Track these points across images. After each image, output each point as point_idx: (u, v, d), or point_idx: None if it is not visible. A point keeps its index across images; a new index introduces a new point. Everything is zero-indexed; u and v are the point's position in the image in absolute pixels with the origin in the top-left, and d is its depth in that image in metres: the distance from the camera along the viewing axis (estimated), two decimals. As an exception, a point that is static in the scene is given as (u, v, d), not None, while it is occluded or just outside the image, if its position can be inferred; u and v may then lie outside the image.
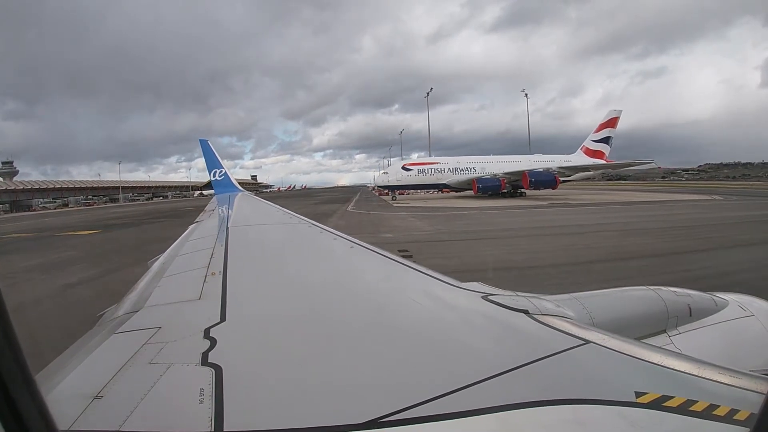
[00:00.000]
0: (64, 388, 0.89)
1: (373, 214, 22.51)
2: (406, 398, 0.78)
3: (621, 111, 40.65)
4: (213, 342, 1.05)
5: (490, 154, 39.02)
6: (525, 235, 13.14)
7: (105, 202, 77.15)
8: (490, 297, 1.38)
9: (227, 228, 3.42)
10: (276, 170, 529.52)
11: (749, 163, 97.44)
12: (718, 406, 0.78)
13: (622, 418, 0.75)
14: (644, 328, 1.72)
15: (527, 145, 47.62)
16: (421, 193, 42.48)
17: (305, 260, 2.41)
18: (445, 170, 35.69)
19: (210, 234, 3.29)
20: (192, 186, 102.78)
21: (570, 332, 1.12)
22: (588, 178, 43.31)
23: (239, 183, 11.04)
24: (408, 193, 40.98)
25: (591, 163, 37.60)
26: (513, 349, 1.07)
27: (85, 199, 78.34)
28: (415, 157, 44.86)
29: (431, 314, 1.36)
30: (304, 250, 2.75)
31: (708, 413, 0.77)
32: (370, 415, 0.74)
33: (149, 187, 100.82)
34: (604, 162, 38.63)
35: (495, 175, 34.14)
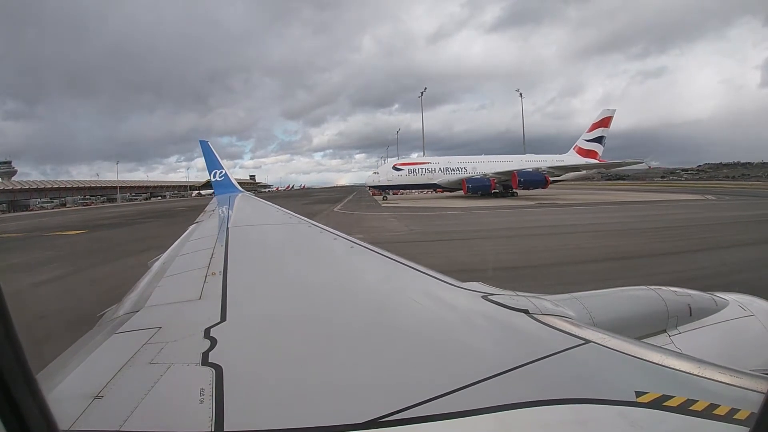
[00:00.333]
0: (65, 387, 0.89)
1: (357, 214, 22.49)
2: (406, 398, 0.78)
3: (614, 110, 40.45)
4: (213, 342, 1.05)
5: (490, 154, 38.96)
6: (495, 236, 13.07)
7: (102, 202, 77.10)
8: (490, 297, 1.38)
9: (227, 228, 3.43)
10: (276, 170, 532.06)
11: (749, 163, 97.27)
12: (719, 405, 0.78)
13: (622, 418, 0.75)
14: (644, 327, 1.72)
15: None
16: (416, 193, 42.37)
17: (305, 260, 2.41)
18: (436, 170, 35.48)
19: (210, 234, 3.29)
20: (190, 186, 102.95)
21: (570, 332, 1.12)
22: (585, 178, 43.19)
23: (238, 183, 10.98)
24: (402, 193, 40.87)
25: (582, 163, 37.39)
26: (513, 348, 1.08)
27: (82, 199, 78.40)
28: (414, 156, 44.76)
29: (431, 314, 1.36)
30: (304, 250, 2.75)
31: (708, 413, 0.77)
32: (370, 414, 0.74)
33: (147, 187, 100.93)
34: (596, 161, 38.38)
35: (485, 174, 34.02)
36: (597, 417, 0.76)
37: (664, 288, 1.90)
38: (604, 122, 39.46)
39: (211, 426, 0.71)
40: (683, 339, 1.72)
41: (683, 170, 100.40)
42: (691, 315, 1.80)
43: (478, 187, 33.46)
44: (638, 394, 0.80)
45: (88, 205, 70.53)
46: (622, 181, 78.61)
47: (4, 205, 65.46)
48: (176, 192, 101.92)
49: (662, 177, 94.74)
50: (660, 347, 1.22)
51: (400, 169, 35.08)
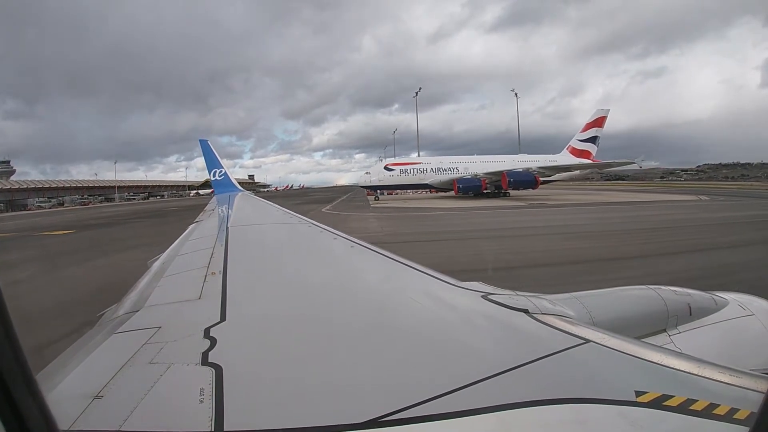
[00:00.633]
0: (65, 387, 0.89)
1: (342, 214, 22.42)
2: (405, 398, 0.78)
3: (608, 110, 40.26)
4: (213, 342, 1.05)
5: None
6: (464, 238, 12.98)
7: (100, 202, 77.19)
8: (489, 296, 1.38)
9: (227, 228, 3.43)
10: (275, 170, 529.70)
11: (748, 164, 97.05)
12: (718, 405, 0.78)
13: (622, 418, 0.75)
14: (644, 327, 1.72)
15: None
16: (410, 193, 42.22)
17: (305, 260, 2.41)
18: (428, 170, 35.36)
19: (210, 234, 3.28)
20: (188, 186, 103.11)
21: (570, 331, 1.12)
22: (584, 178, 42.95)
23: (237, 182, 11.04)
24: (398, 193, 40.76)
25: (574, 163, 37.11)
26: (513, 348, 1.08)
27: (80, 199, 78.41)
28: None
29: (431, 313, 1.36)
30: (304, 250, 2.75)
31: (708, 412, 0.77)
32: (369, 414, 0.74)
33: (146, 187, 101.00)
34: (589, 161, 38.13)
35: (476, 175, 33.93)
36: (597, 417, 0.76)
37: (663, 287, 1.90)
38: (598, 122, 39.23)
39: (210, 426, 0.71)
40: (683, 338, 1.71)
41: (683, 170, 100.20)
42: (690, 314, 1.80)
43: (469, 188, 33.41)
44: (638, 393, 0.80)
45: (85, 204, 70.52)
46: (621, 182, 78.47)
47: (2, 204, 65.55)
48: (174, 192, 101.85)
49: (661, 177, 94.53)
50: (660, 347, 1.22)
51: (392, 170, 34.93)
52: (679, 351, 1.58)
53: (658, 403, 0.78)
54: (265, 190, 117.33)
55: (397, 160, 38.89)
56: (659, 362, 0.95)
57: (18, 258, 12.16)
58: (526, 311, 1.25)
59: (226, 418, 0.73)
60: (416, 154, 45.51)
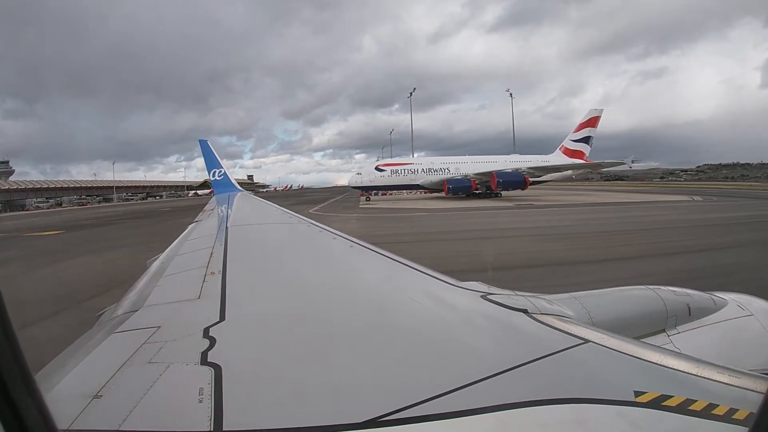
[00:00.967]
0: (64, 387, 0.88)
1: (327, 215, 22.38)
2: (404, 397, 0.78)
3: (602, 110, 39.99)
4: (212, 341, 1.04)
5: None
6: (434, 239, 12.89)
7: (99, 202, 77.41)
8: (489, 296, 1.38)
9: (226, 227, 3.42)
10: (276, 170, 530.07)
11: (748, 164, 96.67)
12: (717, 405, 0.78)
13: (621, 418, 0.75)
14: (643, 327, 1.72)
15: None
16: (405, 194, 42.12)
17: (304, 259, 2.41)
18: (419, 171, 35.30)
19: (209, 233, 3.28)
20: (187, 186, 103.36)
21: (569, 331, 1.12)
22: (584, 178, 42.65)
23: (236, 182, 11.03)
24: (392, 194, 40.63)
25: (564, 163, 36.95)
26: (512, 348, 1.07)
27: (78, 199, 78.58)
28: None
29: (430, 313, 1.36)
30: (304, 250, 2.75)
31: (707, 412, 0.77)
32: (368, 414, 0.73)
33: (144, 187, 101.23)
34: (582, 162, 37.92)
35: (466, 175, 33.89)
36: (596, 417, 0.76)
37: (663, 288, 1.90)
38: (591, 122, 38.97)
39: (210, 425, 0.71)
40: (682, 339, 1.71)
41: (682, 171, 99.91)
42: (690, 315, 1.79)
43: (459, 188, 33.39)
44: (637, 393, 0.80)
45: (83, 205, 70.73)
46: (620, 182, 78.15)
47: (0, 204, 65.96)
48: (173, 192, 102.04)
49: (661, 178, 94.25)
50: (659, 347, 1.22)
51: (383, 170, 34.89)
52: (679, 351, 1.58)
53: (657, 403, 0.78)
54: (264, 190, 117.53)
55: (389, 160, 38.82)
56: (658, 362, 0.95)
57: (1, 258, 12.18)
58: (525, 311, 1.25)
59: (225, 418, 0.73)
60: (416, 155, 45.48)
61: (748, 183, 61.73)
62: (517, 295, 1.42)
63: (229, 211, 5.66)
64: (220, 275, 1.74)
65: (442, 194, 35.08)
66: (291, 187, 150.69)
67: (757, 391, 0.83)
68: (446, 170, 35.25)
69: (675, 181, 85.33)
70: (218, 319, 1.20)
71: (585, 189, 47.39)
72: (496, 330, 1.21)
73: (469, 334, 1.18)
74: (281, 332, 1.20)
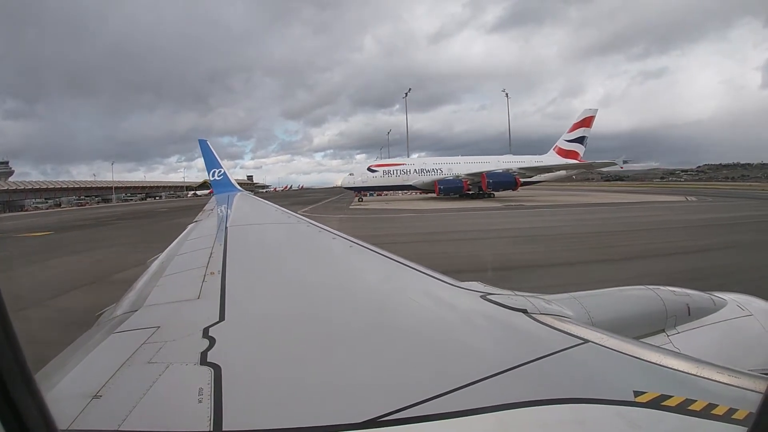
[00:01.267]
0: (64, 387, 0.89)
1: (313, 216, 22.14)
2: (404, 398, 0.78)
3: (596, 110, 39.75)
4: (212, 341, 1.04)
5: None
6: (411, 241, 12.68)
7: (97, 203, 77.63)
8: (488, 296, 1.38)
9: (226, 227, 3.42)
10: (276, 170, 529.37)
11: (748, 164, 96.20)
12: (717, 405, 0.78)
13: (620, 418, 0.75)
14: (643, 327, 1.72)
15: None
16: (400, 194, 42.01)
17: (304, 259, 2.42)
18: (411, 171, 35.17)
19: (209, 233, 3.29)
20: (187, 186, 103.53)
21: (569, 331, 1.12)
22: (584, 178, 42.30)
23: (236, 183, 11.01)
24: (387, 194, 40.51)
25: (556, 164, 36.76)
26: (511, 348, 1.08)
27: (77, 200, 78.75)
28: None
29: (430, 313, 1.36)
30: (303, 250, 2.75)
31: (706, 412, 0.77)
32: (368, 414, 0.74)
33: (144, 188, 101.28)
34: (573, 162, 37.64)
35: (458, 176, 33.79)
36: (595, 417, 0.76)
37: (662, 288, 1.90)
38: (586, 122, 38.68)
39: (209, 425, 0.71)
40: (682, 339, 1.72)
41: (683, 171, 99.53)
42: (689, 315, 1.80)
43: (450, 189, 33.29)
44: (637, 393, 0.80)
45: (82, 205, 70.77)
46: (620, 182, 77.87)
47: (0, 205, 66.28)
48: (172, 192, 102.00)
49: (661, 178, 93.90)
50: (658, 347, 1.21)
51: (375, 171, 34.73)
52: (678, 351, 1.57)
53: (656, 403, 0.78)
54: (264, 190, 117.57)
55: (382, 161, 38.73)
56: (658, 362, 0.95)
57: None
58: (524, 311, 1.25)
59: (225, 418, 0.73)
60: (416, 155, 45.53)
61: (748, 183, 61.47)
62: (516, 295, 1.42)
63: (229, 211, 5.66)
64: (220, 275, 1.74)
65: (434, 195, 34.97)
66: (291, 187, 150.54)
67: (756, 391, 0.83)
68: (439, 171, 35.15)
69: (675, 181, 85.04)
70: (218, 319, 1.20)
71: (581, 189, 47.23)
72: (495, 330, 1.21)
73: (469, 334, 1.18)
74: (281, 332, 1.20)
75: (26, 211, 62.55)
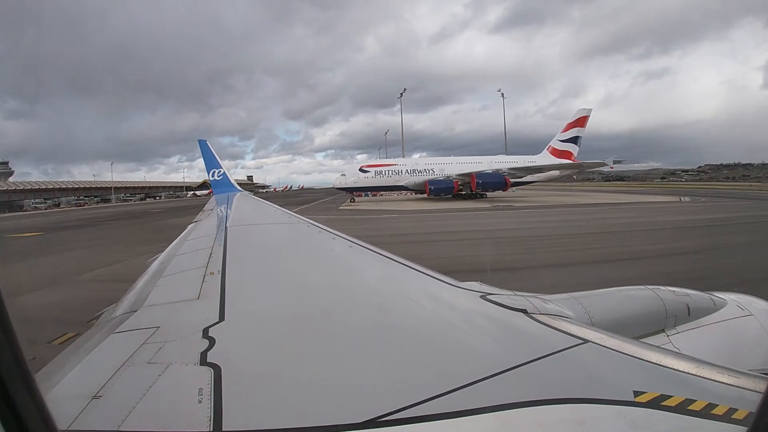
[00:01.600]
0: (64, 387, 0.89)
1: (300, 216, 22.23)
2: (404, 398, 0.78)
3: (590, 110, 39.45)
4: (212, 341, 1.04)
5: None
6: (385, 242, 12.48)
7: (97, 203, 77.88)
8: (488, 296, 1.38)
9: (226, 228, 3.42)
10: (277, 170, 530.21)
11: (749, 164, 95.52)
12: (717, 405, 0.78)
13: (620, 418, 0.75)
14: (643, 327, 1.72)
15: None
16: (395, 195, 41.87)
17: (304, 260, 2.41)
18: (403, 172, 35.03)
19: (209, 233, 3.28)
20: (186, 186, 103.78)
21: (569, 331, 1.12)
22: (585, 179, 41.95)
23: (236, 183, 10.98)
24: (381, 195, 40.39)
25: (549, 164, 36.45)
26: (511, 348, 1.07)
27: (76, 200, 78.93)
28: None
29: (430, 313, 1.36)
30: (303, 250, 2.75)
31: (706, 412, 0.77)
32: (368, 414, 0.74)
33: (143, 188, 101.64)
34: (566, 162, 37.31)
35: (449, 177, 33.67)
36: (595, 416, 0.76)
37: (662, 288, 1.90)
38: (580, 122, 38.40)
39: (209, 426, 0.71)
40: (681, 339, 1.71)
41: (684, 171, 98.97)
42: (689, 315, 1.79)
43: (441, 189, 33.13)
44: (636, 393, 0.80)
45: (81, 206, 70.88)
46: (620, 182, 77.49)
47: (-1, 205, 66.69)
48: (172, 193, 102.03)
49: (662, 178, 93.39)
50: (658, 347, 1.21)
51: (367, 171, 34.61)
52: (678, 351, 1.57)
53: (656, 403, 0.78)
54: (264, 191, 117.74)
55: (374, 161, 38.65)
56: (658, 362, 0.95)
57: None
58: (524, 311, 1.25)
59: (225, 418, 0.73)
60: (417, 155, 45.42)
61: (748, 183, 61.02)
62: (516, 295, 1.42)
63: (229, 211, 5.66)
64: (220, 275, 1.74)
65: (424, 195, 34.83)
66: (290, 187, 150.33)
67: (756, 391, 0.83)
68: (430, 171, 35.01)
69: (676, 181, 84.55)
70: (218, 320, 1.20)
71: (579, 189, 46.97)
72: (495, 330, 1.21)
73: (469, 334, 1.18)
74: (280, 332, 1.20)
75: (25, 211, 62.83)
